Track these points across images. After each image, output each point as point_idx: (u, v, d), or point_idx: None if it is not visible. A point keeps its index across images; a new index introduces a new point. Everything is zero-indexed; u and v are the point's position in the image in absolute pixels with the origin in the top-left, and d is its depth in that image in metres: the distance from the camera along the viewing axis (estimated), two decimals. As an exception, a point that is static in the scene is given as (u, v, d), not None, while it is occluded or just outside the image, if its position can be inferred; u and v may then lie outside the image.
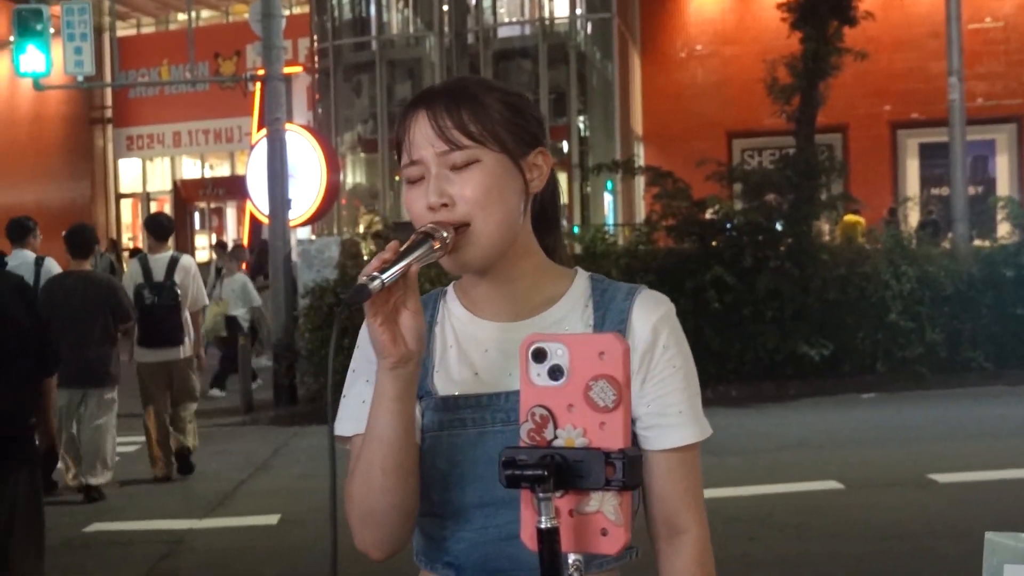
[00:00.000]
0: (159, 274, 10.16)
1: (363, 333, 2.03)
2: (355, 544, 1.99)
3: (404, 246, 1.75)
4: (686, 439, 1.92)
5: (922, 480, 8.70)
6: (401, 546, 1.95)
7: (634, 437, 1.91)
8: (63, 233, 9.93)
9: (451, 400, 1.92)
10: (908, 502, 8.23)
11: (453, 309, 2.03)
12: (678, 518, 1.94)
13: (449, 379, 1.95)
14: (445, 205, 1.86)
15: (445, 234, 1.79)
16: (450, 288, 2.07)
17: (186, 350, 10.32)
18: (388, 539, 1.89)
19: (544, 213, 2.05)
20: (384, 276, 1.68)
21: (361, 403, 1.96)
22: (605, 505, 1.45)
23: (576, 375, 1.47)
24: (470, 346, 1.97)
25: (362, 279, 1.67)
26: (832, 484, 8.69)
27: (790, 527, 7.67)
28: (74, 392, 9.32)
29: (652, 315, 1.95)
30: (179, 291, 10.15)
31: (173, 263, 10.27)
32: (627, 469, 1.42)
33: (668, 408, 1.92)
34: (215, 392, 15.04)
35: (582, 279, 2.03)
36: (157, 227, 10.75)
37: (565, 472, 1.43)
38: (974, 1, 22.11)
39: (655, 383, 1.92)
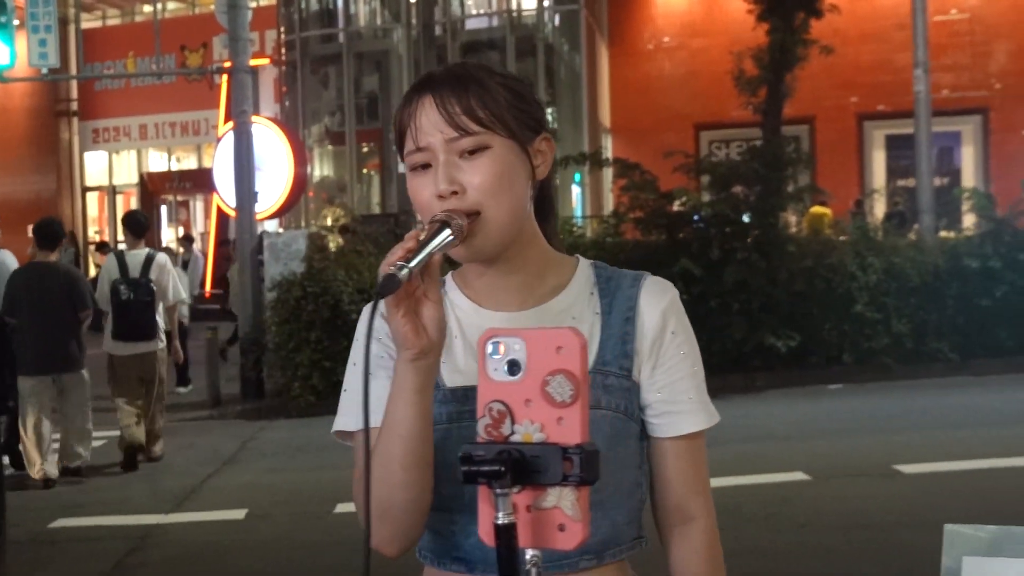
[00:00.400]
0: (135, 270, 10.55)
1: (364, 326, 1.97)
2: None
3: (424, 235, 1.70)
4: (697, 425, 1.94)
5: (888, 471, 8.73)
6: (415, 542, 1.90)
7: (643, 426, 1.93)
8: (32, 226, 10.40)
9: (460, 391, 1.88)
10: (874, 493, 8.26)
11: (455, 299, 1.99)
12: (687, 505, 1.94)
13: (456, 370, 1.91)
14: (455, 193, 1.81)
15: (461, 222, 1.75)
16: (448, 278, 2.03)
17: (158, 344, 10.70)
18: (404, 535, 1.82)
19: (542, 200, 2.01)
20: (411, 265, 1.63)
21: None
22: (563, 500, 1.44)
23: (533, 370, 1.46)
24: (475, 336, 1.90)
25: (389, 269, 1.62)
26: (799, 475, 8.72)
27: (758, 518, 7.69)
28: (43, 379, 9.80)
29: (660, 301, 1.94)
30: (154, 287, 10.54)
31: (149, 260, 10.64)
32: (585, 464, 1.41)
33: (678, 395, 1.92)
34: (181, 390, 14.97)
35: (584, 266, 2.01)
36: (136, 224, 11.16)
37: (522, 467, 1.41)
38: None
39: (665, 370, 1.92)
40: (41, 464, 9.80)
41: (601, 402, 1.86)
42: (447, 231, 1.72)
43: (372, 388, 1.90)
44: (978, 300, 13.89)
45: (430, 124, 1.84)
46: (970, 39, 25.56)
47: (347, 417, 1.98)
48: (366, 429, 1.54)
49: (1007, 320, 13.87)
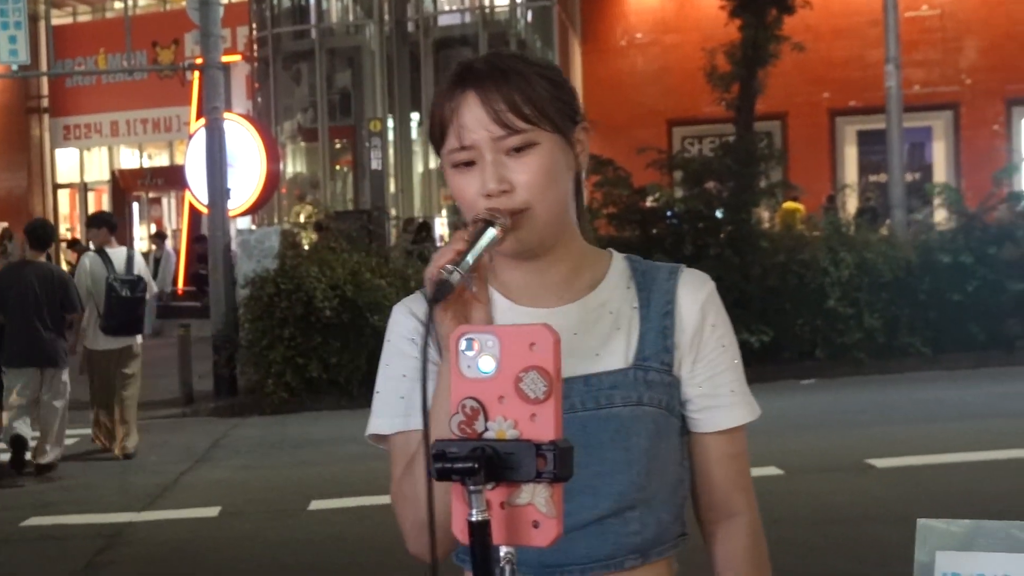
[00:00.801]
0: (120, 266, 10.96)
1: (396, 326, 1.97)
2: (408, 549, 1.87)
3: (469, 235, 1.67)
4: (740, 419, 1.92)
5: (861, 465, 8.77)
6: (454, 548, 1.88)
7: (683, 421, 1.91)
8: (24, 227, 10.99)
9: None
10: (847, 487, 8.29)
11: (490, 296, 1.90)
12: (730, 501, 1.93)
13: None
14: (504, 192, 1.78)
15: (505, 220, 1.73)
16: None
17: (139, 339, 11.19)
18: (446, 542, 1.79)
19: (575, 192, 1.96)
20: (462, 267, 1.61)
21: (399, 399, 1.89)
22: (536, 497, 1.44)
23: (507, 366, 1.45)
24: None
25: (440, 273, 1.60)
26: (772, 470, 8.74)
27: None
28: (27, 371, 10.33)
29: (699, 294, 1.92)
30: (144, 283, 11.10)
31: (131, 258, 11.20)
32: (558, 461, 1.41)
33: (719, 388, 1.90)
34: None
35: (619, 259, 1.97)
36: (109, 222, 11.60)
37: (496, 464, 1.41)
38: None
39: (705, 364, 1.90)
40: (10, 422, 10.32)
41: (644, 398, 1.84)
42: (493, 230, 1.70)
43: (396, 389, 1.91)
44: (950, 295, 13.95)
45: (475, 121, 1.80)
46: (941, 35, 25.66)
47: (382, 419, 1.92)
48: (426, 439, 1.45)
49: (978, 314, 13.94)
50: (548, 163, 1.81)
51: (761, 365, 13.65)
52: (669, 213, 14.93)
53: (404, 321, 1.98)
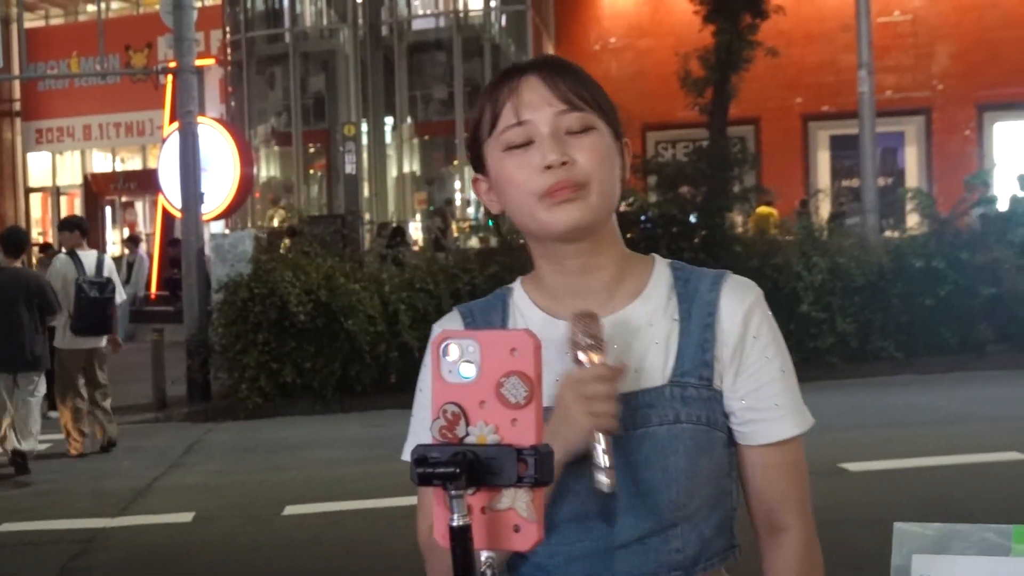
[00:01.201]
0: (91, 269, 11.31)
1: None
2: None
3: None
4: (784, 433, 1.87)
5: (834, 469, 8.80)
6: None
7: (730, 432, 1.87)
8: None
9: None
10: (820, 491, 8.28)
11: (525, 311, 1.91)
12: (778, 516, 1.89)
13: None
14: (565, 163, 1.76)
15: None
16: (517, 286, 1.96)
17: (106, 339, 11.56)
18: None
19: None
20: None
21: (427, 429, 1.85)
22: (517, 502, 1.44)
23: (488, 372, 1.46)
24: (549, 350, 1.76)
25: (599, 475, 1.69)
26: None
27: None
28: (5, 376, 10.50)
29: (741, 304, 1.89)
30: (114, 285, 11.47)
31: (101, 260, 11.58)
32: (539, 465, 1.41)
33: (763, 402, 1.85)
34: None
35: (662, 267, 1.93)
36: (80, 226, 11.95)
37: (477, 469, 1.41)
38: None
39: (747, 376, 1.85)
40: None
41: (681, 416, 1.80)
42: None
43: (427, 419, 1.84)
44: (922, 299, 14.00)
45: (538, 98, 1.80)
46: (913, 40, 25.79)
47: (409, 446, 1.87)
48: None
49: (951, 319, 13.99)
50: (604, 150, 1.81)
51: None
52: (643, 217, 14.95)
53: None
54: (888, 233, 16.57)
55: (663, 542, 1.80)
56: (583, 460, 1.73)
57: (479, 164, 1.90)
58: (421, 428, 1.89)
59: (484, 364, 1.45)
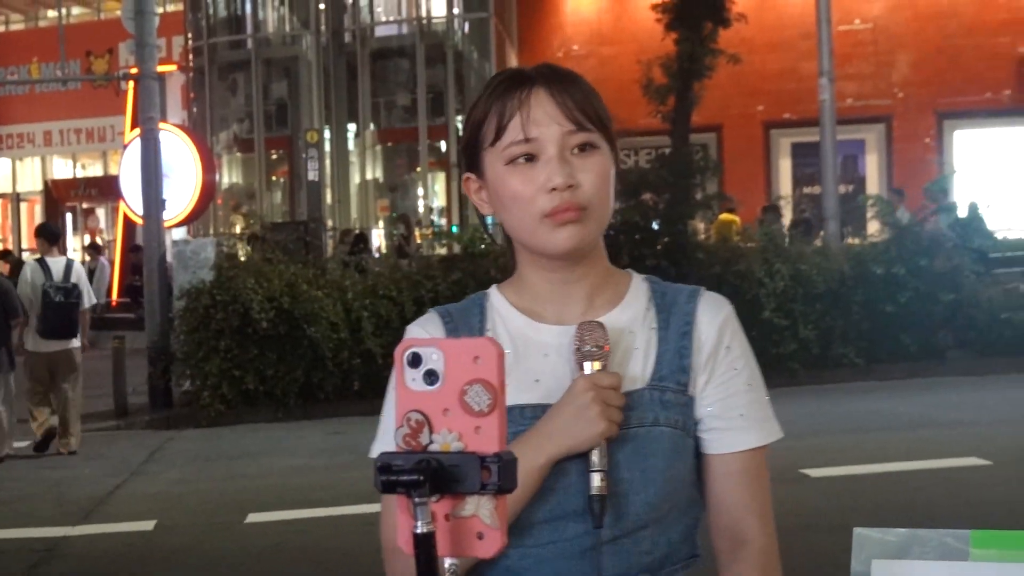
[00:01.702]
0: (59, 275, 11.60)
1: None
2: None
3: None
4: (748, 443, 1.89)
5: (795, 475, 8.83)
6: None
7: (698, 441, 1.89)
8: None
9: (515, 411, 1.81)
10: (782, 497, 8.32)
11: (504, 313, 1.93)
12: (741, 526, 1.89)
13: (508, 388, 1.82)
14: (571, 187, 1.78)
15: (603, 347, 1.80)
16: (493, 291, 1.97)
17: (77, 342, 11.87)
18: None
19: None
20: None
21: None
22: (481, 509, 1.45)
23: (451, 379, 1.46)
24: (529, 352, 1.87)
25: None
26: None
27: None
28: None
29: (717, 316, 1.92)
30: (80, 291, 11.76)
31: (69, 266, 11.89)
32: (502, 472, 1.42)
33: (729, 411, 1.88)
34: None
35: (639, 281, 1.96)
36: (50, 233, 12.26)
37: (441, 477, 1.42)
38: (843, 3, 22.54)
39: (717, 385, 1.88)
40: None
41: (659, 419, 1.83)
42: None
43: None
44: (882, 306, 14.08)
45: (545, 116, 1.81)
46: (873, 48, 25.96)
47: (377, 445, 1.91)
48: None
49: (911, 325, 14.07)
50: (605, 168, 1.85)
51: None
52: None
53: None
54: (849, 240, 16.67)
55: (634, 543, 1.82)
56: (566, 460, 1.77)
57: (474, 165, 1.90)
58: (383, 431, 1.91)
59: (448, 372, 1.46)
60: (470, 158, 1.91)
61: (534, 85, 1.83)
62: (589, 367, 1.79)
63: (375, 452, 1.89)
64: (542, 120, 1.80)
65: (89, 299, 12.17)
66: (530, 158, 1.81)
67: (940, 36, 25.60)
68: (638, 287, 1.95)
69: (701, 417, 1.88)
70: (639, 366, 1.86)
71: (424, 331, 1.94)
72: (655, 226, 14.81)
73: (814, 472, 8.89)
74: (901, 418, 11.46)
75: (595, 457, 1.76)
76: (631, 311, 1.91)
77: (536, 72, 1.86)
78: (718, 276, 14.07)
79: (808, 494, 8.40)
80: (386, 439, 1.88)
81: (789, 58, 25.08)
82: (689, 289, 1.95)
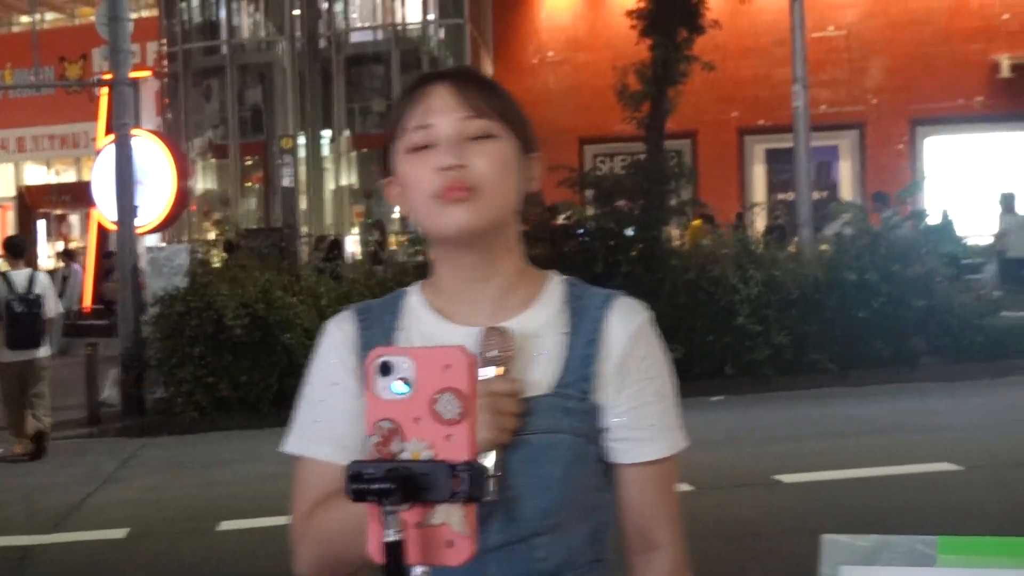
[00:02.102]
0: (22, 287, 11.89)
1: (325, 351, 1.97)
2: (295, 568, 1.87)
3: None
4: (657, 453, 1.89)
5: (768, 480, 8.86)
6: None
7: (605, 447, 1.88)
8: None
9: None
10: (755, 503, 8.37)
11: (419, 312, 1.93)
12: (651, 533, 1.91)
13: None
14: (459, 166, 1.80)
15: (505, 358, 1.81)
16: (414, 289, 1.98)
17: (44, 351, 12.09)
18: None
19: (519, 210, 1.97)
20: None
21: (313, 423, 1.90)
22: (451, 517, 1.45)
23: (422, 388, 1.47)
24: None
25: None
26: (683, 486, 8.76)
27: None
28: None
29: (628, 324, 1.90)
30: (43, 302, 11.96)
31: (33, 277, 12.09)
32: (472, 481, 1.43)
33: (640, 421, 1.88)
34: None
35: (557, 282, 1.96)
36: (14, 247, 12.55)
37: (411, 485, 1.42)
38: (817, 10, 22.61)
39: (628, 395, 1.87)
40: None
41: (560, 426, 1.82)
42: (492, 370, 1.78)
43: (312, 412, 1.92)
44: (856, 311, 14.11)
45: (442, 104, 1.84)
46: (847, 55, 26.08)
47: (293, 439, 1.93)
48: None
49: (883, 331, 14.11)
50: (503, 158, 1.85)
51: (671, 382, 13.67)
52: (580, 231, 14.99)
53: (333, 338, 1.98)
54: (824, 247, 16.73)
55: (528, 549, 1.81)
56: None
57: (391, 167, 1.93)
58: (299, 424, 1.93)
59: (418, 381, 1.47)
60: (388, 161, 1.93)
61: (439, 81, 1.87)
62: (488, 373, 1.78)
63: (290, 447, 1.92)
64: (441, 109, 1.84)
65: (55, 308, 12.46)
66: (429, 146, 1.83)
67: (913, 43, 25.73)
68: (555, 289, 1.95)
69: (611, 426, 1.87)
70: (544, 372, 1.85)
71: (340, 329, 1.97)
72: (630, 232, 14.82)
73: (787, 478, 8.91)
74: (874, 424, 11.48)
75: (487, 463, 1.73)
76: (543, 314, 1.90)
77: (445, 72, 1.90)
78: (692, 282, 14.10)
79: (781, 499, 8.43)
80: (295, 434, 1.93)
81: (763, 65, 25.17)
82: (605, 293, 1.94)
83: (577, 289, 1.95)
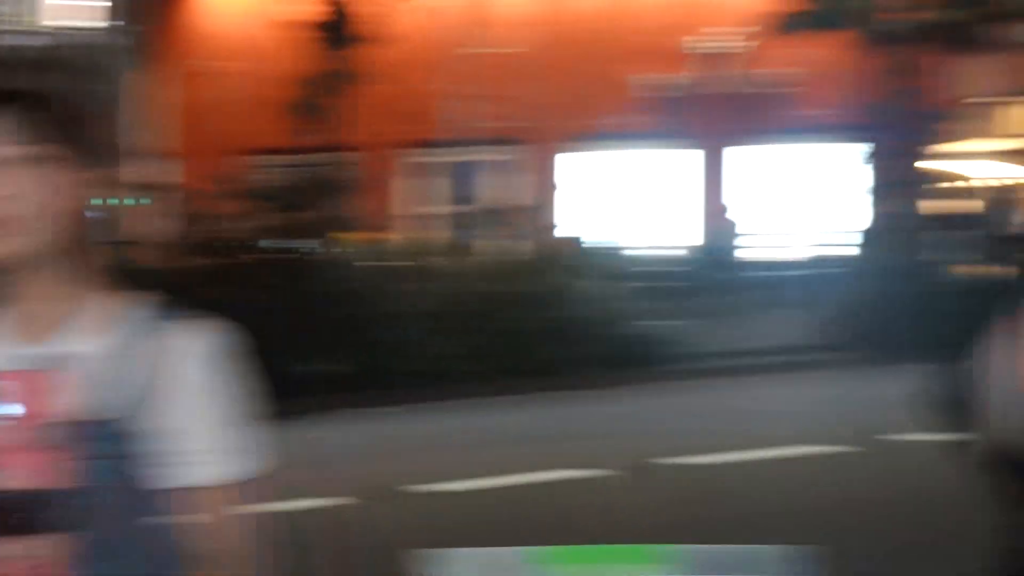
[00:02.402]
0: None
1: None
2: None
3: None
4: (217, 476, 1.85)
5: (391, 492, 8.67)
6: None
7: (161, 472, 1.84)
8: None
9: None
10: (380, 514, 8.11)
11: None
12: (217, 557, 1.86)
13: None
14: None
15: None
16: None
17: None
18: None
19: (81, 229, 1.86)
20: None
21: None
22: (39, 548, 1.42)
23: (22, 414, 1.44)
24: None
25: None
26: (347, 499, 8.43)
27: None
28: None
29: (191, 347, 1.86)
30: None
31: None
32: (65, 511, 1.40)
33: (192, 444, 1.83)
34: None
35: (118, 302, 1.88)
36: None
37: (2, 514, 1.39)
38: (472, 28, 22.82)
39: (178, 418, 1.82)
40: None
41: (101, 451, 1.77)
42: None
43: None
44: (520, 323, 14.24)
45: None
46: (510, 72, 26.60)
47: None
48: None
49: (548, 342, 14.21)
50: (36, 184, 1.79)
51: (328, 395, 13.46)
52: (246, 243, 14.81)
53: None
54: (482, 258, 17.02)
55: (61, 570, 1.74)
56: None
57: None
58: None
59: (19, 406, 1.43)
60: None
61: None
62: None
63: None
64: None
65: None
66: None
67: (560, 61, 26.38)
68: (123, 312, 1.88)
69: (160, 451, 1.81)
70: (78, 395, 1.78)
71: None
72: (294, 244, 14.72)
73: (415, 488, 8.84)
74: (521, 432, 11.46)
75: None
76: (87, 335, 1.84)
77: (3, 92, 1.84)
78: (356, 293, 14.00)
79: (407, 512, 8.26)
80: None
81: (426, 80, 25.43)
82: (164, 313, 1.90)
83: (142, 311, 1.89)
